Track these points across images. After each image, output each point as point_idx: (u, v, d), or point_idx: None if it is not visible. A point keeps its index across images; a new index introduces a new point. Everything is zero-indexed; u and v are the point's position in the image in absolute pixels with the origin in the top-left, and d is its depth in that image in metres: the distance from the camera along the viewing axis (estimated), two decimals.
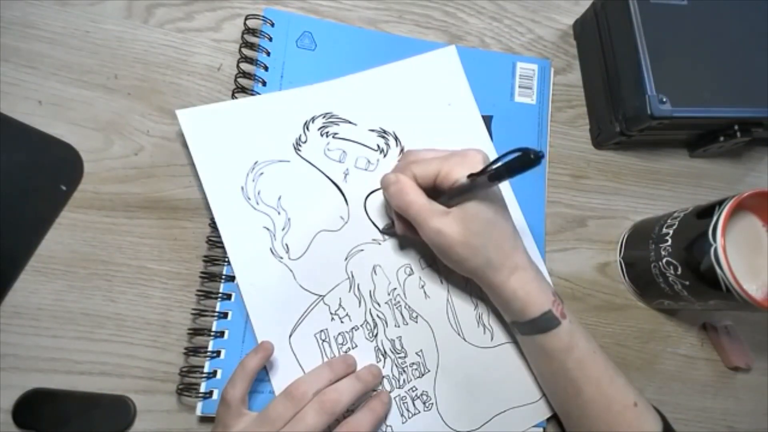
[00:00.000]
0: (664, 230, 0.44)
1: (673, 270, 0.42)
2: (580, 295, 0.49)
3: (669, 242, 0.43)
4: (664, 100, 0.44)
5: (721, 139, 0.49)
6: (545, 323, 0.38)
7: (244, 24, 0.47)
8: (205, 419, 0.40)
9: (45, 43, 0.44)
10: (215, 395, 0.39)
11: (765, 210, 0.42)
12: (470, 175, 0.35)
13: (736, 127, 0.47)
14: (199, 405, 0.39)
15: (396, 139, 0.46)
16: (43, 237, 0.41)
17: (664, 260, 0.43)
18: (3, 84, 0.43)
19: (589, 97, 0.53)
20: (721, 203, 0.40)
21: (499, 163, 0.32)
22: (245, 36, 0.46)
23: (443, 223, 0.37)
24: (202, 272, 0.42)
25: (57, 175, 0.38)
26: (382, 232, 0.44)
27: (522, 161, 0.30)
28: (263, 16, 0.47)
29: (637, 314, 0.49)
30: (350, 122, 0.46)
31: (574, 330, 0.38)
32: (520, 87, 0.51)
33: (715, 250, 0.38)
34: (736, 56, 0.48)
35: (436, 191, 0.38)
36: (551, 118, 0.51)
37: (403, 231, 0.41)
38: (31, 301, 0.40)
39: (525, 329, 0.39)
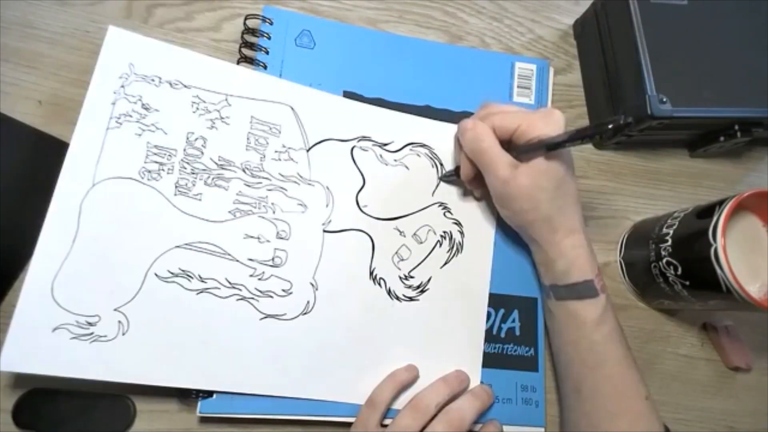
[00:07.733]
0: (664, 230, 0.44)
1: (673, 270, 0.42)
2: None
3: (669, 242, 0.43)
4: (664, 100, 0.44)
5: (721, 139, 0.49)
6: (584, 290, 0.38)
7: (244, 24, 0.47)
8: (205, 419, 0.40)
9: (45, 43, 0.44)
10: (215, 395, 0.39)
11: (765, 210, 0.42)
12: (555, 140, 0.36)
13: (736, 127, 0.47)
14: (199, 405, 0.39)
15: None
16: None
17: (664, 260, 0.43)
18: (3, 84, 0.43)
19: (589, 97, 0.53)
20: (721, 203, 0.40)
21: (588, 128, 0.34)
22: (245, 36, 0.46)
23: (513, 174, 0.37)
24: None
25: (57, 175, 0.38)
26: (442, 178, 0.44)
27: (615, 128, 0.31)
28: (262, 15, 0.47)
29: (637, 314, 0.49)
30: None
31: (608, 307, 0.39)
32: (518, 87, 0.51)
33: (715, 250, 0.38)
34: (736, 56, 0.48)
35: (508, 146, 0.39)
36: None
37: (468, 177, 0.41)
38: None
39: (562, 293, 0.40)
